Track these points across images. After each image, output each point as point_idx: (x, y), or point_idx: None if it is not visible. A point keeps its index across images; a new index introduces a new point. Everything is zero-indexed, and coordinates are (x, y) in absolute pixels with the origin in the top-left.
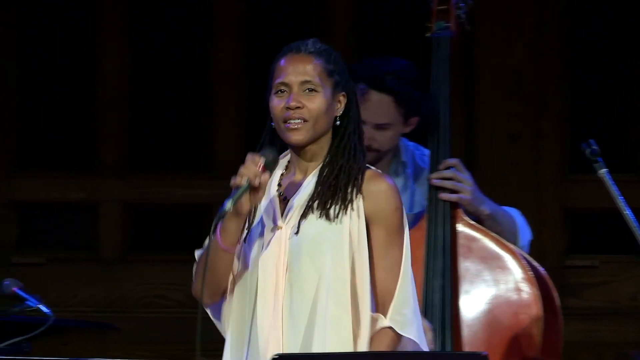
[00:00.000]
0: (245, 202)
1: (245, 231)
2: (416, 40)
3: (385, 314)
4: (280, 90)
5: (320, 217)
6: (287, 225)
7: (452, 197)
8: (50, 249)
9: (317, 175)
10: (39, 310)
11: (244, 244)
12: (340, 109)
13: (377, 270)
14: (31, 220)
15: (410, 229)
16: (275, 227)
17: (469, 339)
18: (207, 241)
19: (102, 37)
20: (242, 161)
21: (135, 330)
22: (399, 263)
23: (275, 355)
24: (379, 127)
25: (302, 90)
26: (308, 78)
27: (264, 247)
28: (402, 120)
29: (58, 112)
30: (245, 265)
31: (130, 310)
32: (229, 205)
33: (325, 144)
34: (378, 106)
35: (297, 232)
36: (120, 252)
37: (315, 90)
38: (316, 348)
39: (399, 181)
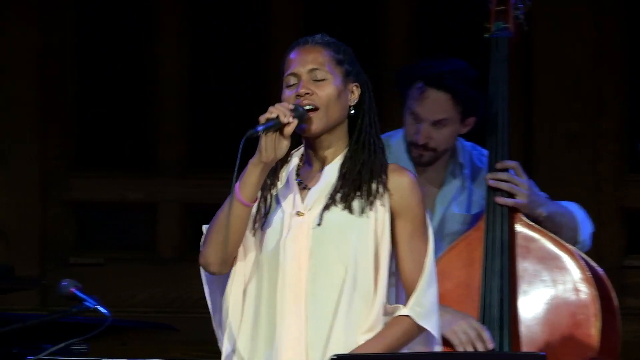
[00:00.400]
0: (269, 148)
1: (263, 217)
2: (475, 41)
3: (406, 304)
4: (290, 81)
5: (343, 209)
6: (309, 213)
7: (509, 201)
8: (108, 249)
9: (337, 167)
10: (97, 310)
11: (261, 230)
12: (353, 99)
13: (403, 263)
14: (89, 221)
15: (468, 229)
16: (297, 213)
17: (527, 340)
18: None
19: (160, 36)
20: None
21: (194, 331)
22: (424, 255)
23: (334, 356)
24: (437, 123)
25: (312, 79)
26: (316, 66)
27: (286, 232)
28: (459, 119)
29: (117, 112)
30: (264, 249)
31: (188, 310)
32: (253, 132)
33: (341, 135)
34: (435, 103)
35: (319, 223)
36: (178, 252)
37: (325, 79)
38: (338, 336)
39: (457, 182)
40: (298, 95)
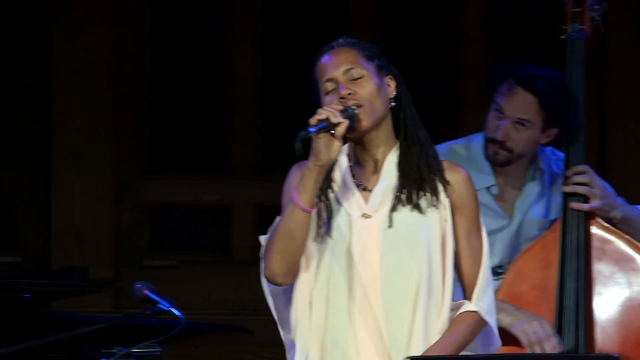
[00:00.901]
0: (323, 151)
1: (326, 222)
2: (550, 43)
3: (469, 300)
4: (328, 87)
5: (412, 210)
6: (376, 215)
7: (584, 207)
8: (182, 251)
9: (394, 166)
10: (171, 313)
11: (326, 235)
12: (392, 91)
13: (462, 258)
14: (163, 223)
15: (544, 231)
16: (364, 215)
17: (602, 341)
18: (276, 221)
19: (235, 38)
20: None
21: (267, 333)
22: (481, 251)
23: (408, 358)
24: (519, 122)
25: (349, 79)
26: (350, 65)
27: (356, 237)
28: (541, 125)
29: (191, 114)
30: (332, 255)
31: (262, 312)
32: (305, 133)
33: (388, 130)
34: (522, 102)
35: (390, 225)
36: (253, 254)
37: (362, 76)
38: (418, 336)
39: (536, 187)
40: (341, 98)
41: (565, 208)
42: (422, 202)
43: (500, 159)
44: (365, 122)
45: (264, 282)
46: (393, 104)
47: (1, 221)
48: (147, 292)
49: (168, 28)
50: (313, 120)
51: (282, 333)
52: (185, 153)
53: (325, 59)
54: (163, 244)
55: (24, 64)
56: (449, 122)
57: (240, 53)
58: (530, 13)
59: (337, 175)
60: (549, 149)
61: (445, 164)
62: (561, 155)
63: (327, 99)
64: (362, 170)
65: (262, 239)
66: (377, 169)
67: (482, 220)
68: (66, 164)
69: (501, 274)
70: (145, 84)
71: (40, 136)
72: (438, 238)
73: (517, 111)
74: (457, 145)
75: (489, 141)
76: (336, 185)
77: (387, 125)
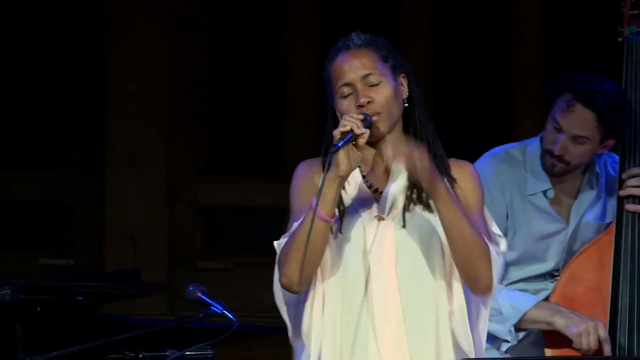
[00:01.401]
0: (344, 162)
1: (339, 222)
2: (607, 46)
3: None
4: (345, 91)
5: (423, 210)
6: (389, 217)
7: (637, 208)
8: (236, 254)
9: (403, 166)
10: (224, 315)
11: (340, 235)
12: (405, 90)
13: None
14: (217, 226)
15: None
16: (377, 218)
17: None
18: (293, 227)
19: (291, 39)
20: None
21: None
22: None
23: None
24: (576, 138)
25: (366, 85)
26: (368, 71)
27: (371, 239)
28: (599, 139)
29: (246, 117)
30: (348, 257)
31: None
32: (335, 149)
33: (399, 130)
34: (580, 119)
35: (404, 225)
36: None
37: (379, 82)
38: (444, 342)
39: (592, 191)
40: (360, 106)
41: (620, 211)
42: (432, 202)
43: (558, 171)
44: (383, 128)
45: (277, 288)
46: (406, 104)
47: (55, 223)
48: (200, 294)
49: (224, 29)
50: (337, 133)
51: (291, 337)
52: (240, 155)
53: (341, 59)
54: (217, 247)
55: (79, 65)
56: (504, 130)
57: (296, 54)
58: (586, 17)
59: (353, 177)
60: (605, 152)
61: (452, 162)
62: (617, 158)
63: (344, 102)
64: (373, 172)
65: (277, 244)
66: (387, 169)
67: (489, 215)
68: (121, 166)
69: (557, 276)
70: (201, 85)
71: (95, 138)
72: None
73: (575, 128)
74: (513, 150)
75: (547, 153)
76: (349, 187)
77: (399, 125)
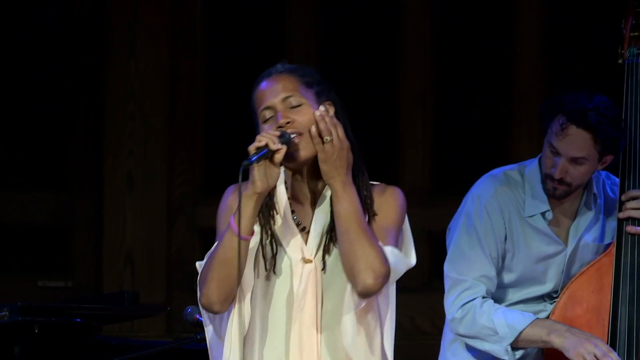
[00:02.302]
0: (260, 178)
1: (271, 260)
2: (606, 65)
3: None
4: (266, 115)
5: None
6: (315, 259)
7: (638, 230)
8: None
9: (328, 202)
10: None
11: (267, 274)
12: None
13: None
14: None
15: (598, 255)
16: (304, 260)
17: None
18: (213, 246)
19: (290, 62)
20: None
21: None
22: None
23: None
24: (574, 160)
25: (287, 107)
26: (288, 93)
27: (297, 282)
28: (597, 157)
29: (245, 138)
30: (275, 295)
31: None
32: (247, 163)
33: None
34: (576, 141)
35: (323, 269)
36: None
37: (300, 104)
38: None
39: (590, 213)
40: (279, 127)
41: (620, 232)
42: None
43: (560, 193)
44: (304, 152)
45: (202, 311)
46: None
47: (54, 245)
48: (198, 316)
49: (223, 50)
50: (252, 148)
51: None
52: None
53: (263, 86)
54: None
55: (77, 86)
56: (502, 152)
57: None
58: (585, 38)
59: (277, 208)
60: (603, 173)
61: (376, 190)
62: (616, 179)
63: (264, 127)
64: (301, 205)
65: (198, 265)
66: (314, 202)
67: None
68: (119, 188)
69: (556, 298)
70: (200, 106)
71: (94, 160)
72: None
73: (573, 150)
74: (512, 171)
75: (547, 177)
76: (277, 221)
77: None
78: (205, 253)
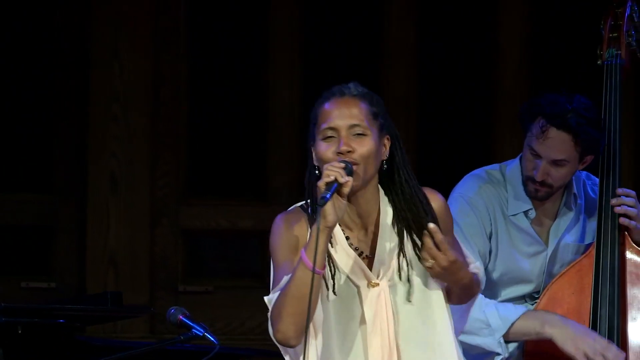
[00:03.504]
0: (331, 212)
1: (333, 287)
2: (587, 68)
3: None
4: (328, 134)
5: (412, 266)
6: (382, 281)
7: (631, 223)
8: (218, 277)
9: (389, 227)
10: (206, 338)
11: (333, 297)
12: (386, 152)
13: None
14: (199, 249)
15: (579, 256)
16: (370, 284)
17: None
18: (282, 281)
19: (273, 64)
20: None
21: None
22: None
23: None
24: (555, 162)
25: (352, 134)
26: (356, 122)
27: (367, 307)
28: (578, 158)
29: (227, 140)
30: (343, 321)
31: None
32: (324, 202)
33: (375, 190)
34: (556, 143)
35: (402, 290)
36: None
37: (364, 134)
38: None
39: (571, 213)
40: (339, 153)
41: (600, 233)
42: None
43: (542, 195)
44: (355, 182)
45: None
46: (385, 166)
47: (37, 246)
48: (181, 317)
49: (207, 53)
50: (322, 185)
51: None
52: (222, 178)
53: (332, 105)
54: (198, 269)
55: (61, 88)
56: (486, 145)
57: (278, 79)
58: (568, 41)
59: (337, 240)
60: (584, 173)
61: (428, 195)
62: (596, 180)
63: (322, 145)
64: (352, 232)
65: (268, 300)
66: (364, 227)
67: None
68: (102, 189)
69: (538, 298)
70: (183, 108)
71: (77, 162)
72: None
73: (553, 152)
74: (493, 170)
75: (529, 180)
76: (336, 250)
77: (374, 185)
78: (189, 253)
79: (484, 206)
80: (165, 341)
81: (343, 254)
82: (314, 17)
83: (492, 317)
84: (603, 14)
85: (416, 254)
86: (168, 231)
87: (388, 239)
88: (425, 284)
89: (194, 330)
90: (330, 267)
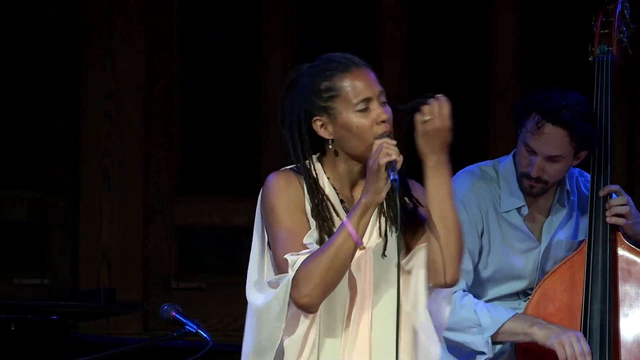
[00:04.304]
0: (384, 188)
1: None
2: (579, 65)
3: None
4: (365, 106)
5: (391, 235)
6: (368, 244)
7: (620, 220)
8: (211, 273)
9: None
10: (199, 334)
11: None
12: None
13: None
14: (192, 245)
15: (572, 252)
16: (359, 247)
17: None
18: (313, 247)
19: (266, 60)
20: None
21: None
22: None
23: None
24: (550, 158)
25: (380, 103)
26: (382, 88)
27: (354, 269)
28: (572, 154)
29: (221, 136)
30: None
31: None
32: (398, 183)
33: None
34: (552, 139)
35: (384, 254)
36: None
37: (385, 102)
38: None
39: (564, 210)
40: (382, 121)
41: (591, 230)
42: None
43: (537, 192)
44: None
45: (277, 307)
46: None
47: (30, 243)
48: (174, 314)
49: (199, 49)
50: (383, 161)
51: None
52: (215, 175)
53: (358, 75)
54: (192, 266)
55: (54, 85)
56: (480, 143)
57: (271, 77)
58: (559, 39)
59: (331, 202)
60: (577, 170)
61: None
62: (589, 176)
63: (359, 116)
64: (348, 193)
65: (292, 260)
66: (352, 184)
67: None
68: (96, 186)
69: (530, 295)
70: (176, 105)
71: (70, 158)
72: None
73: (549, 148)
74: (486, 167)
75: (524, 176)
76: (333, 213)
77: None
78: (182, 250)
79: (476, 203)
80: (158, 338)
81: (337, 211)
82: (307, 16)
83: (483, 317)
84: (595, 10)
85: (387, 225)
86: (161, 228)
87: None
88: (394, 252)
89: (187, 326)
90: (328, 232)
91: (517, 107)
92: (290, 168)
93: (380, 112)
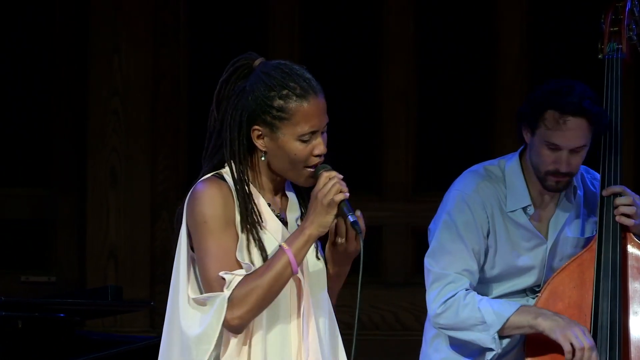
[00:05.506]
0: (331, 220)
1: (265, 253)
2: (587, 62)
3: None
4: (309, 138)
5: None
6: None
7: (628, 221)
8: None
9: (294, 194)
10: None
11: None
12: None
13: None
14: None
15: (579, 250)
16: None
17: None
18: (251, 269)
19: (273, 58)
20: None
21: None
22: None
23: None
24: (574, 150)
25: (322, 132)
26: (327, 119)
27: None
28: (590, 140)
29: None
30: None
31: None
32: (354, 221)
33: None
34: (575, 130)
35: (317, 256)
36: None
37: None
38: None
39: (570, 206)
40: (318, 155)
41: (601, 228)
42: None
43: (562, 186)
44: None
45: (212, 332)
46: None
47: (37, 240)
48: None
49: (206, 46)
50: (338, 199)
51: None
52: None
53: (311, 106)
54: None
55: (60, 82)
56: (486, 141)
57: None
58: (568, 35)
59: (260, 208)
60: (582, 167)
61: None
62: (595, 174)
63: (298, 144)
64: (272, 198)
65: (228, 279)
66: (274, 190)
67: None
68: (103, 184)
69: (538, 292)
70: (183, 102)
71: (77, 156)
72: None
73: (574, 140)
74: (492, 166)
75: (550, 174)
76: (266, 218)
77: None
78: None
79: (481, 204)
80: None
81: (273, 223)
82: (313, 12)
83: (487, 314)
84: (604, 8)
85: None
86: (168, 225)
87: (296, 207)
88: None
89: None
90: (261, 243)
91: (525, 111)
92: (215, 175)
93: (321, 146)
